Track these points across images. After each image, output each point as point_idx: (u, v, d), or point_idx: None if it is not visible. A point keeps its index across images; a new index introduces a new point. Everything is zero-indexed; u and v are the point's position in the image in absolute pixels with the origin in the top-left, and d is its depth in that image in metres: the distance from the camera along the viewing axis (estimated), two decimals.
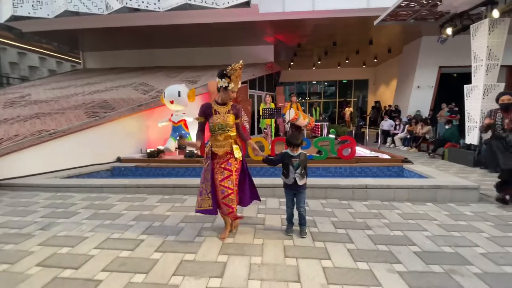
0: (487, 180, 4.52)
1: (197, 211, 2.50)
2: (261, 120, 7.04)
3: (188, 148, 5.97)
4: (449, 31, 6.71)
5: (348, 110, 14.48)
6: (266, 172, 5.12)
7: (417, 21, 7.03)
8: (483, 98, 5.83)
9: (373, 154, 5.89)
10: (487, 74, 5.77)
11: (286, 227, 2.64)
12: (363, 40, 11.11)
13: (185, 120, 6.32)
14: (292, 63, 15.26)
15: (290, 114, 5.96)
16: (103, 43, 11.62)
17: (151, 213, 3.17)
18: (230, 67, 2.40)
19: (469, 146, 6.05)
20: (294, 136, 2.52)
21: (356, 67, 16.78)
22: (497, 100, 3.21)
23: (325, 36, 10.71)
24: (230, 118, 2.50)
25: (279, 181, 3.82)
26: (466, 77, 7.14)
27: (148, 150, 5.91)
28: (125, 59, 12.57)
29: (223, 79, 2.42)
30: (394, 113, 11.92)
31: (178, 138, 6.33)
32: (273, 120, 6.86)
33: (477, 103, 5.95)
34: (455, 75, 12.80)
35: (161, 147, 6.12)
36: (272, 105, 6.91)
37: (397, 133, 9.49)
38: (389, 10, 6.54)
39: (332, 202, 3.50)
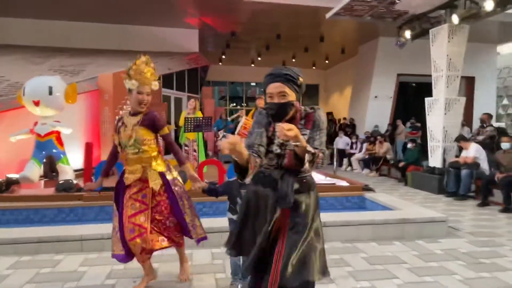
0: (453, 210, 5.44)
1: (112, 256, 2.62)
2: (181, 132, 6.90)
3: (63, 176, 5.36)
4: (407, 34, 8.10)
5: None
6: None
7: (374, 18, 8.29)
8: (445, 114, 7.15)
9: (329, 180, 6.40)
10: (447, 87, 7.13)
11: (230, 284, 2.68)
12: (313, 36, 12.36)
13: (58, 132, 5.69)
14: (223, 56, 15.69)
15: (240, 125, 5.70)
16: None
17: None
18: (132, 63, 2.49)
19: (433, 170, 7.24)
20: None
21: (304, 68, 18.34)
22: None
23: (267, 26, 11.49)
24: (141, 132, 2.50)
25: (210, 223, 3.77)
26: (426, 88, 8.67)
27: None
28: None
29: (126, 79, 2.49)
30: (348, 128, 13.40)
31: (45, 160, 5.71)
32: (200, 134, 6.79)
33: (439, 119, 7.24)
34: (413, 84, 15.40)
35: (14, 175, 5.32)
36: (199, 114, 6.87)
37: (353, 153, 10.64)
38: (343, 3, 7.51)
39: None
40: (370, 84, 13.04)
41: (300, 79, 1.74)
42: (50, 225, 4.16)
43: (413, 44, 8.55)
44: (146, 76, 2.50)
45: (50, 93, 5.55)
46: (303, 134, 1.68)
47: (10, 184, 5.19)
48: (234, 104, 20.22)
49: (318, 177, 6.70)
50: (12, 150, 5.93)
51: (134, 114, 2.55)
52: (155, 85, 2.58)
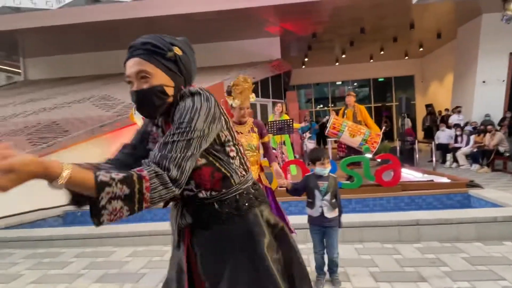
0: None
1: None
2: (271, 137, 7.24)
3: None
4: None
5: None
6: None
7: None
8: None
9: (427, 177, 5.97)
10: None
11: (316, 278, 2.73)
12: (402, 24, 11.59)
13: None
14: (306, 59, 15.80)
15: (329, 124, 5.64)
16: (51, 45, 12.32)
17: (119, 271, 3.26)
18: (232, 83, 2.83)
19: None
20: (315, 149, 2.71)
21: (395, 60, 17.24)
22: None
23: (349, 21, 11.22)
24: (255, 138, 2.95)
25: (296, 220, 3.92)
26: None
27: None
28: (80, 65, 13.22)
29: (228, 98, 2.89)
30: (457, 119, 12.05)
31: None
32: (287, 137, 6.98)
33: None
34: None
35: None
36: (285, 117, 7.07)
37: (459, 148, 9.56)
38: None
39: (371, 246, 3.55)
40: (476, 68, 11.56)
41: (176, 49, 1.13)
42: (159, 222, 4.84)
43: None
44: (246, 94, 2.85)
45: None
46: None
47: None
48: (321, 106, 20.04)
49: (413, 175, 6.30)
50: None
51: (240, 123, 2.95)
52: (253, 97, 2.94)
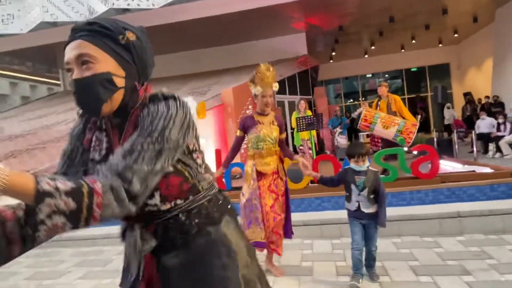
0: None
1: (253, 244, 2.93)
2: (295, 134, 7.20)
3: None
4: None
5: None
6: (310, 206, 5.17)
7: None
8: None
9: (467, 168, 5.69)
10: None
11: (352, 276, 2.61)
12: (433, 10, 11.09)
13: None
14: (333, 54, 15.52)
15: (360, 116, 5.45)
16: None
17: None
18: (254, 71, 2.85)
19: None
20: (355, 144, 2.66)
21: (428, 48, 16.54)
22: None
23: (377, 11, 10.89)
24: (275, 130, 2.92)
25: (328, 216, 3.90)
26: None
27: None
28: None
29: (251, 86, 2.90)
30: (494, 108, 11.43)
31: None
32: (312, 133, 6.95)
33: None
34: None
35: None
36: (309, 113, 7.04)
37: (502, 136, 9.03)
38: None
39: (410, 240, 3.48)
40: None
41: (129, 34, 0.94)
42: None
43: None
44: (268, 80, 2.83)
45: None
46: None
47: None
48: (351, 100, 19.64)
49: (453, 166, 6.04)
50: None
51: (263, 114, 2.93)
52: (276, 86, 2.93)
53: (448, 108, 10.69)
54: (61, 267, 3.68)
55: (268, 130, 2.88)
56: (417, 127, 5.32)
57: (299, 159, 2.80)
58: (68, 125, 8.41)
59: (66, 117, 9.43)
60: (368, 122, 5.36)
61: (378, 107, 5.68)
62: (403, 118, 5.49)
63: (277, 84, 2.93)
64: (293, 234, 3.07)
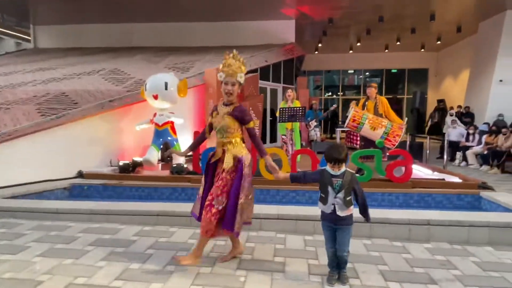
0: None
1: (191, 213, 3.09)
2: (278, 123, 7.13)
3: (176, 161, 6.10)
4: None
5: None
6: (284, 198, 5.18)
7: None
8: None
9: (437, 175, 5.88)
10: None
11: (328, 274, 2.69)
12: (422, 15, 11.23)
13: (172, 122, 6.49)
14: (320, 45, 15.47)
15: (349, 116, 5.47)
16: (63, 13, 12.12)
17: (126, 250, 3.25)
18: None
19: None
20: (335, 148, 2.56)
21: (411, 51, 16.86)
22: None
23: (368, 8, 10.88)
24: (227, 121, 2.82)
25: (305, 211, 3.88)
26: None
27: (121, 163, 6.07)
28: (91, 36, 13.02)
29: (218, 70, 2.87)
30: (465, 118, 11.88)
31: (162, 146, 6.51)
32: (297, 124, 6.90)
33: None
34: None
35: (138, 159, 6.29)
36: (297, 103, 6.94)
37: (470, 147, 9.43)
38: None
39: (380, 243, 3.51)
40: (494, 66, 11.27)
41: None
42: (165, 201, 4.85)
43: None
44: (232, 68, 2.80)
45: (166, 88, 6.35)
46: None
47: (135, 166, 6.17)
48: (330, 94, 19.79)
49: (424, 171, 6.22)
50: (137, 137, 7.02)
51: (227, 104, 2.89)
52: (241, 77, 2.84)
53: (451, 115, 11.16)
54: (19, 241, 3.45)
55: (218, 120, 2.87)
56: (403, 129, 5.41)
57: (267, 161, 2.81)
58: (37, 86, 7.86)
59: (34, 77, 8.80)
60: (357, 123, 5.39)
61: (365, 108, 5.69)
62: (389, 120, 5.55)
63: (243, 76, 2.86)
64: (237, 232, 2.84)
